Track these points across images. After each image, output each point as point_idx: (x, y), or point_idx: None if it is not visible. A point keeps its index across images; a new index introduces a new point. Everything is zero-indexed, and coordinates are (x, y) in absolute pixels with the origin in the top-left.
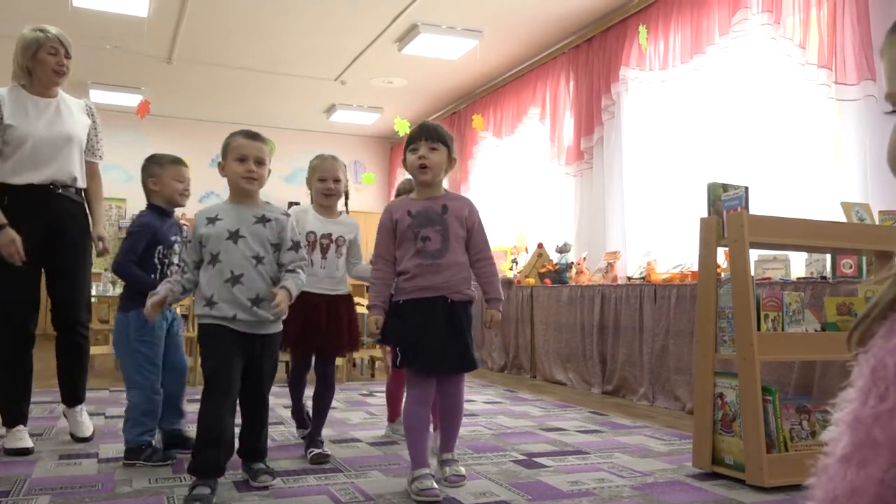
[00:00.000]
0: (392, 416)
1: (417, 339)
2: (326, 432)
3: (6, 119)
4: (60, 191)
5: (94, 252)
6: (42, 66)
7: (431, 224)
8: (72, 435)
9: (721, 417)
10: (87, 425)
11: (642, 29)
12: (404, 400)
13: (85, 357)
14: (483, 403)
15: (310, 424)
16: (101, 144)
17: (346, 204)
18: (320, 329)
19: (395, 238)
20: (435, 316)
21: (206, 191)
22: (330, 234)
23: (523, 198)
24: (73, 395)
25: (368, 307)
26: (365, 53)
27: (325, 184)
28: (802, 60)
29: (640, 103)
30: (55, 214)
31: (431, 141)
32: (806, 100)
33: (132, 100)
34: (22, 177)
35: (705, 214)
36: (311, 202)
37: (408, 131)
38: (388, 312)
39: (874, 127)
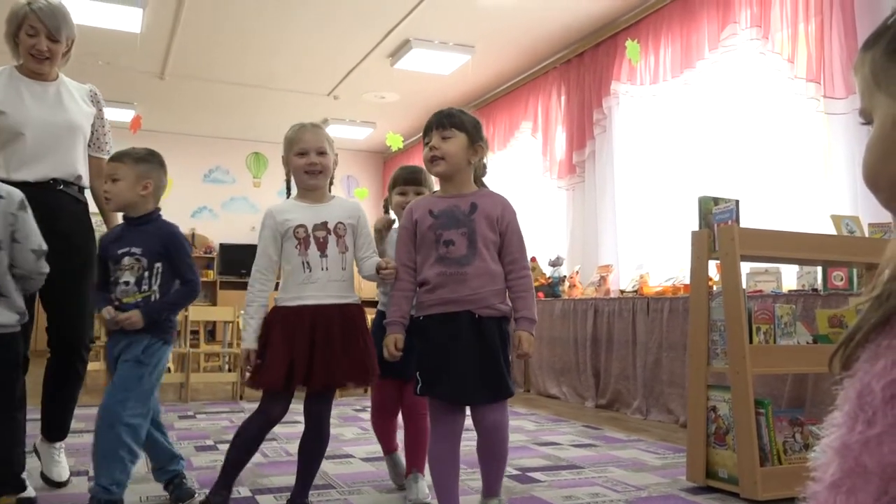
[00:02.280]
0: (388, 448)
1: (439, 362)
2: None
3: None
4: (62, 187)
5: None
6: (21, 48)
7: (456, 225)
8: (44, 476)
9: (714, 431)
10: (65, 467)
11: (630, 44)
12: (429, 438)
13: (80, 387)
14: None
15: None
16: (110, 137)
17: (329, 190)
18: (326, 352)
19: (416, 241)
20: (460, 334)
21: (198, 205)
22: (325, 223)
23: (516, 211)
24: (57, 428)
25: (386, 324)
26: (358, 68)
27: (307, 158)
28: (791, 75)
29: (632, 117)
30: (56, 215)
31: (443, 129)
32: (795, 114)
33: (125, 115)
34: (17, 172)
35: (696, 228)
36: (288, 192)
37: (401, 146)
38: (408, 330)
39: (863, 140)
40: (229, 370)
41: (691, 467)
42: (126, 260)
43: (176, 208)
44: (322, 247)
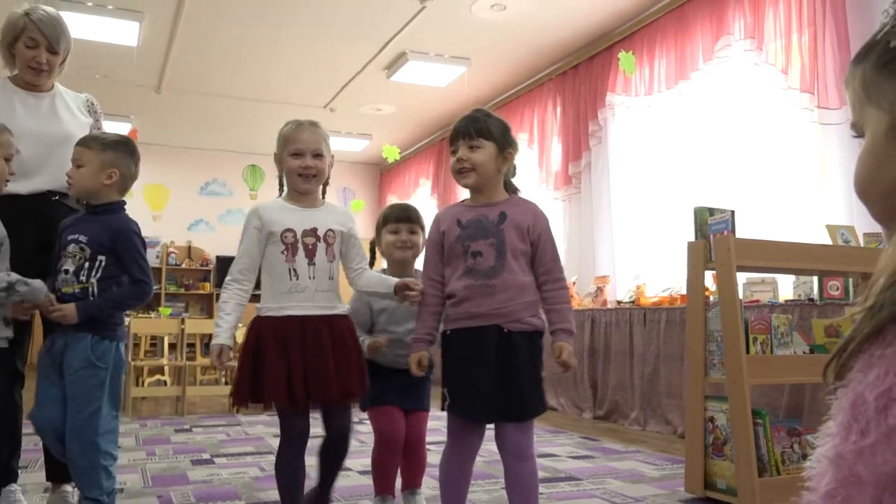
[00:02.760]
0: (386, 488)
1: (463, 377)
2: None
3: None
4: (58, 198)
5: None
6: (18, 59)
7: (484, 236)
8: None
9: (712, 442)
10: None
11: (623, 55)
12: (444, 452)
13: None
14: None
15: None
16: None
17: (324, 193)
18: (318, 365)
19: (444, 254)
20: (485, 349)
21: (195, 218)
22: (314, 229)
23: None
24: (59, 466)
25: (413, 341)
26: (354, 81)
27: (302, 160)
28: (785, 86)
29: (627, 128)
30: (50, 224)
31: (470, 138)
32: (790, 124)
33: (122, 129)
34: (12, 185)
35: (693, 238)
36: (280, 191)
37: (397, 158)
38: (441, 346)
39: (857, 151)
40: (226, 383)
41: (689, 478)
42: (71, 247)
43: (173, 221)
44: (311, 254)
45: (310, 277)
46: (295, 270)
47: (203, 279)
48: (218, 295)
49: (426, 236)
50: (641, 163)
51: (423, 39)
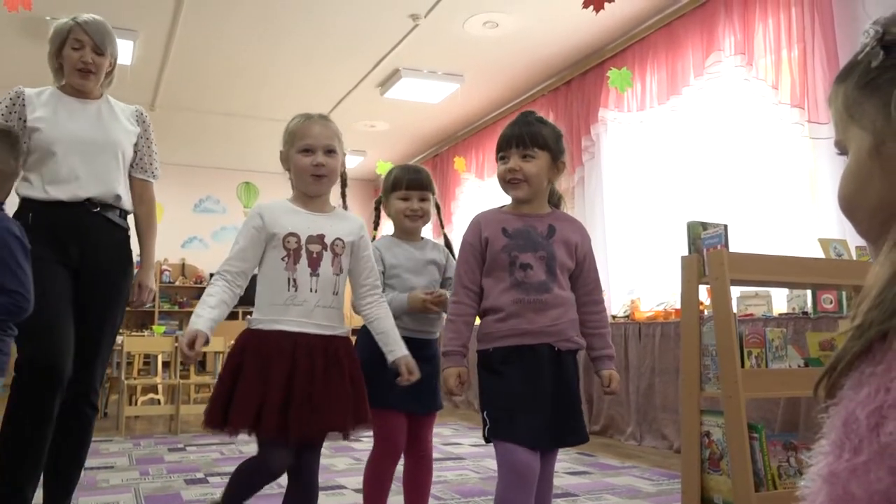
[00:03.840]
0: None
1: (516, 401)
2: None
3: (30, 121)
4: (98, 210)
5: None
6: (66, 63)
7: (533, 249)
8: None
9: (709, 456)
10: None
11: (613, 73)
12: (499, 487)
13: (90, 434)
14: (470, 447)
15: None
16: (157, 161)
17: (344, 196)
18: (305, 393)
19: (484, 262)
20: (540, 370)
21: (189, 235)
22: (321, 236)
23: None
24: (64, 488)
25: (444, 354)
26: (348, 98)
27: (313, 157)
28: (776, 101)
29: (620, 144)
30: (91, 241)
31: (524, 147)
32: (781, 138)
33: None
34: (50, 191)
35: (686, 253)
36: (293, 192)
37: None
38: (478, 364)
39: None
40: None
41: (686, 494)
42: None
43: (166, 238)
44: (314, 264)
45: (311, 290)
46: (294, 280)
47: (197, 297)
48: None
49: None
50: (634, 178)
51: (416, 56)
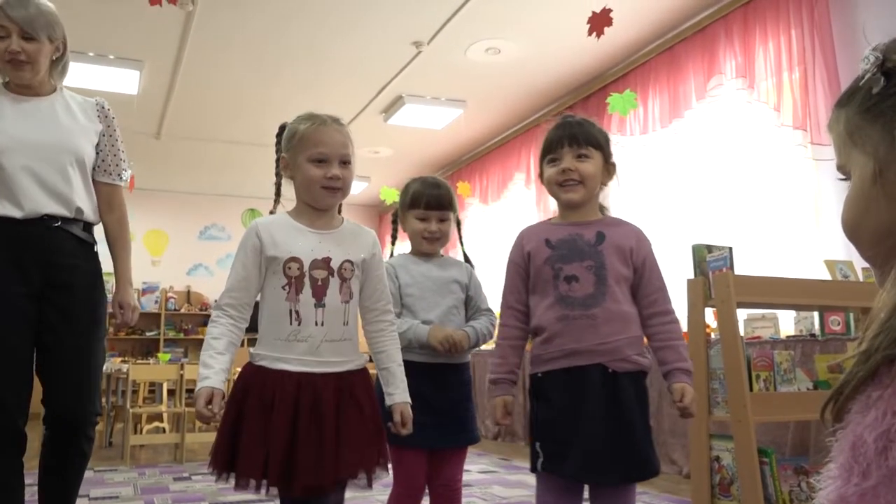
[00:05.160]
0: None
1: (566, 430)
2: None
3: None
4: (59, 224)
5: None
6: None
7: (580, 258)
8: None
9: (719, 482)
10: None
11: (615, 98)
12: None
13: (83, 469)
14: (477, 473)
15: None
16: (124, 159)
17: (340, 209)
18: (312, 440)
19: (528, 278)
20: (589, 394)
21: (194, 263)
22: (327, 260)
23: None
24: None
25: (492, 382)
26: (351, 125)
27: (327, 168)
28: (778, 123)
29: (623, 167)
30: (54, 262)
31: (579, 146)
32: (784, 161)
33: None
34: (1, 208)
35: (691, 276)
36: (276, 203)
37: (395, 199)
38: (528, 391)
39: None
40: None
41: None
42: None
43: (172, 266)
44: (319, 293)
45: (316, 324)
46: (297, 313)
47: (202, 324)
48: None
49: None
50: (638, 201)
51: (419, 83)
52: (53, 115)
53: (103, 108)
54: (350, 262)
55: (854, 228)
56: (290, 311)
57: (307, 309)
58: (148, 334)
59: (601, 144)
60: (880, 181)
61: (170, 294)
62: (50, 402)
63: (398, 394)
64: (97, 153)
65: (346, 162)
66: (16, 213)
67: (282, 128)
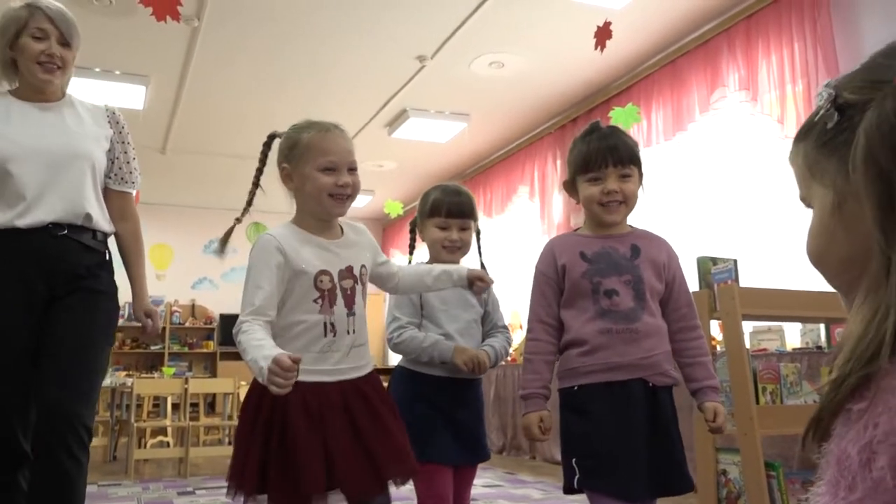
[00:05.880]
0: None
1: (608, 445)
2: None
3: None
4: (66, 233)
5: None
6: (23, 56)
7: (617, 272)
8: None
9: (726, 496)
10: None
11: (617, 111)
12: None
13: (82, 485)
14: (482, 487)
15: None
16: (137, 168)
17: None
18: (361, 442)
19: (562, 292)
20: (633, 409)
21: (199, 276)
22: (350, 268)
23: (516, 276)
24: None
25: (524, 398)
26: (356, 138)
27: (337, 176)
28: (781, 135)
29: None
30: (56, 270)
31: (622, 165)
32: (788, 173)
33: None
34: (3, 217)
35: (696, 288)
36: (293, 217)
37: (400, 213)
38: (561, 405)
39: None
40: (230, 443)
41: None
42: None
43: (176, 280)
44: (350, 302)
45: (349, 332)
46: (332, 325)
47: (207, 337)
48: (221, 353)
49: (477, 225)
50: (642, 213)
51: (423, 97)
52: (62, 121)
53: (114, 113)
54: (364, 267)
55: (818, 258)
56: (326, 323)
57: (341, 319)
58: (152, 348)
59: (639, 160)
60: (839, 213)
61: (174, 308)
62: (43, 417)
63: (459, 271)
64: (109, 160)
65: (353, 168)
66: (19, 223)
67: (271, 136)
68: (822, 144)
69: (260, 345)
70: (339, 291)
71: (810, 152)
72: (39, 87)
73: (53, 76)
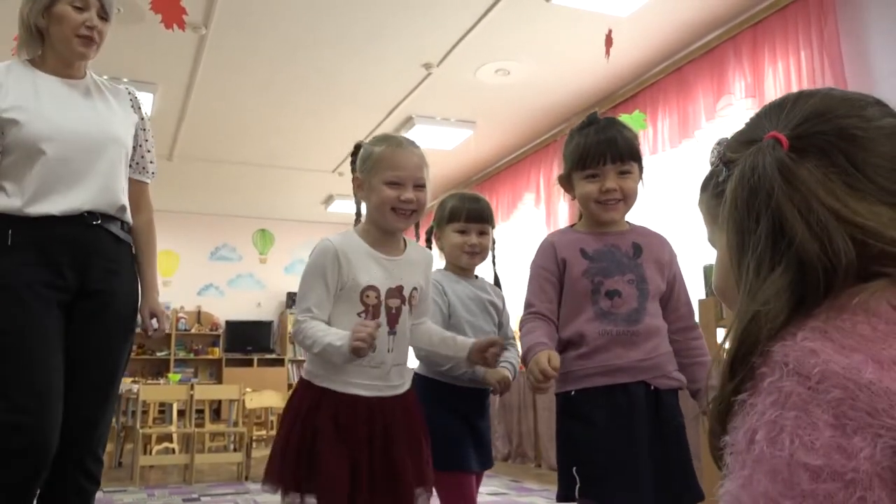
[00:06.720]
0: None
1: (609, 452)
2: None
3: (2, 111)
4: (99, 222)
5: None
6: (59, 26)
7: (620, 271)
8: None
9: None
10: None
11: (625, 119)
12: None
13: None
14: (487, 495)
15: None
16: (154, 157)
17: (418, 229)
18: (386, 461)
19: (560, 289)
20: (635, 414)
21: (204, 283)
22: (400, 288)
23: (521, 283)
24: None
25: (531, 347)
26: None
27: (402, 191)
28: None
29: None
30: (89, 263)
31: (622, 161)
32: None
33: None
34: (35, 204)
35: (703, 296)
36: (358, 225)
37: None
38: (558, 411)
39: None
40: (235, 450)
41: None
42: None
43: (182, 286)
44: (393, 321)
45: (389, 350)
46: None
47: (212, 344)
48: (227, 360)
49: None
50: (648, 220)
51: (429, 104)
52: (92, 102)
53: (136, 98)
54: (416, 289)
55: (720, 291)
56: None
57: (382, 337)
58: (158, 354)
59: (639, 155)
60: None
61: (180, 314)
62: (63, 429)
63: (464, 343)
64: (134, 148)
65: (420, 185)
66: (53, 210)
67: (357, 147)
68: (717, 195)
69: (327, 332)
70: (383, 309)
71: (709, 201)
72: (70, 62)
73: (90, 50)
